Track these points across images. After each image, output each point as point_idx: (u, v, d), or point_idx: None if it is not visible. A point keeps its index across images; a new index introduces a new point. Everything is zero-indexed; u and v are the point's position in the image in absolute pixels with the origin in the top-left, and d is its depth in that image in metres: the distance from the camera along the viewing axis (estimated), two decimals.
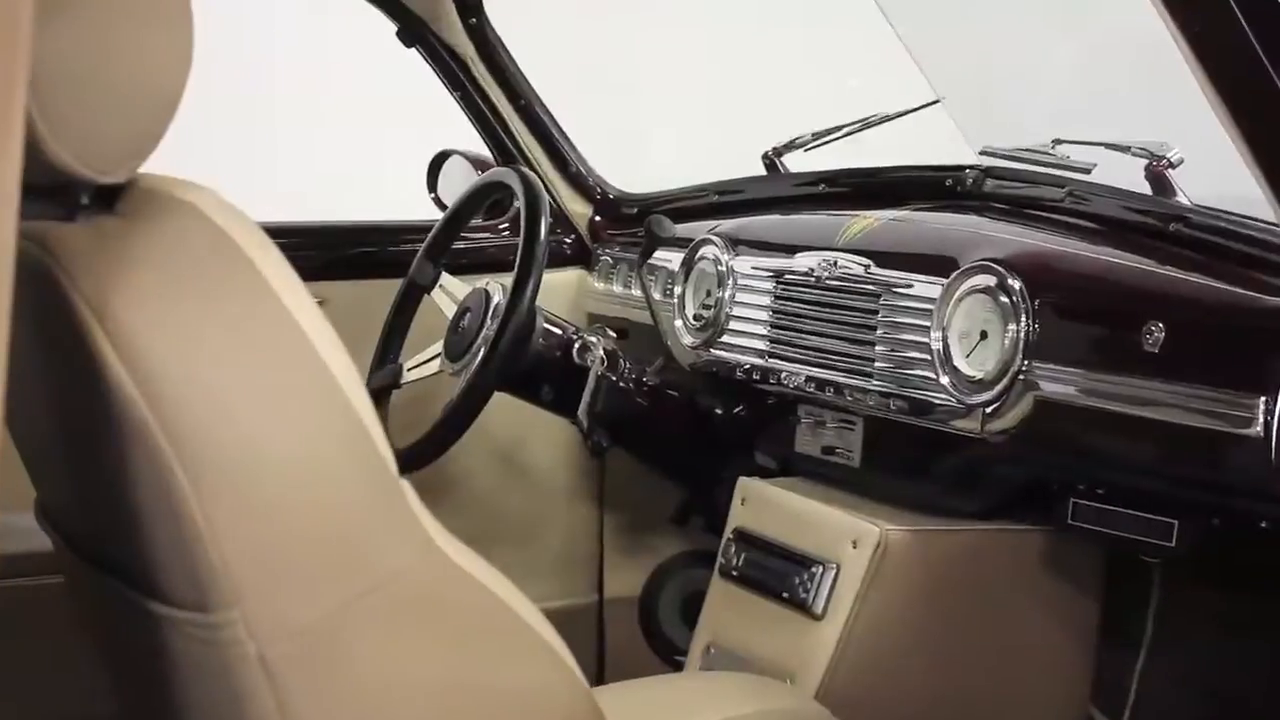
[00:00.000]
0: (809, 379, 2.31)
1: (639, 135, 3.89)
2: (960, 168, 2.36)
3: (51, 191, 1.33)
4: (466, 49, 2.84)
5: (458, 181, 2.89)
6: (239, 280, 1.27)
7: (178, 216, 1.28)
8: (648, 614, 2.91)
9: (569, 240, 2.99)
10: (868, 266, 2.22)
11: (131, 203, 1.30)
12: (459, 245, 2.68)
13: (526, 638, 1.42)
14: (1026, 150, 2.25)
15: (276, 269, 1.29)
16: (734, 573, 2.32)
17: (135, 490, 1.26)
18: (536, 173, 2.89)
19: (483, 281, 2.50)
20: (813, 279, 2.31)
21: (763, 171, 2.77)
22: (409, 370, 2.58)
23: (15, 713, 1.88)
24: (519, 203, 2.41)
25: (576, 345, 2.48)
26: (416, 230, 2.72)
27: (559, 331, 2.49)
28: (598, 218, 2.99)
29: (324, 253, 2.86)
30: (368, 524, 1.31)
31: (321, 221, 2.90)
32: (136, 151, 1.29)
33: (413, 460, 2.45)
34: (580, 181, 2.98)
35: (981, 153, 2.34)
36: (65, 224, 1.29)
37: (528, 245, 2.34)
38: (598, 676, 3.01)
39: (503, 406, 2.55)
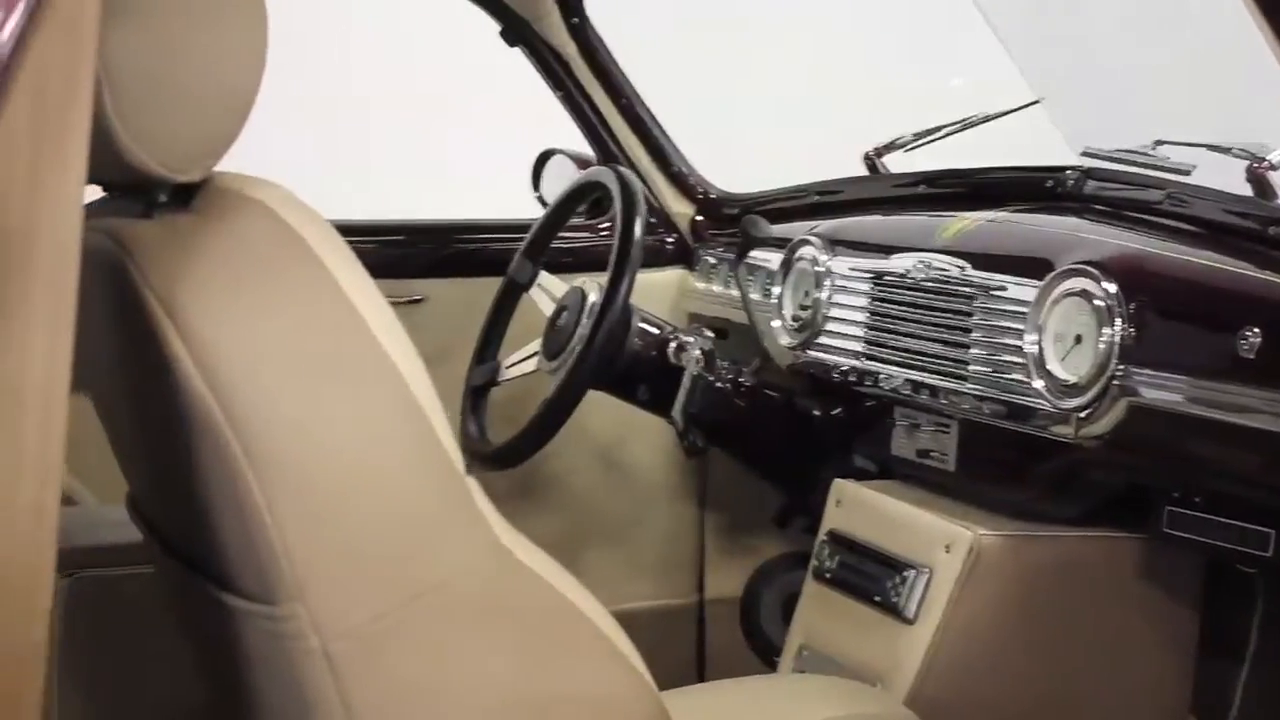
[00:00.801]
0: (906, 381, 2.29)
1: (740, 135, 3.88)
2: (1061, 169, 2.33)
3: (131, 189, 1.36)
4: (568, 48, 2.86)
5: (561, 180, 2.91)
6: (304, 276, 1.28)
7: (246, 213, 1.30)
8: (749, 615, 2.90)
9: (671, 240, 2.99)
10: (963, 268, 2.20)
11: (205, 200, 1.33)
12: (560, 244, 2.70)
13: (595, 642, 1.42)
14: (1127, 151, 2.22)
15: (343, 266, 1.30)
16: (827, 574, 2.31)
17: (207, 483, 1.29)
18: (637, 172, 2.89)
19: (580, 280, 2.51)
20: (909, 280, 2.29)
21: (864, 172, 2.75)
22: (507, 368, 2.59)
23: (109, 699, 1.91)
24: (614, 202, 2.41)
25: (672, 345, 2.48)
26: (517, 229, 2.74)
27: (655, 331, 2.49)
28: (699, 217, 2.99)
29: (426, 250, 2.89)
30: (430, 522, 1.32)
31: (423, 219, 2.93)
32: (211, 151, 1.31)
33: (508, 457, 2.47)
34: (682, 181, 2.98)
35: (1083, 154, 2.31)
36: (141, 221, 1.32)
37: (622, 244, 2.35)
38: (698, 676, 3.02)
39: (604, 405, 2.56)
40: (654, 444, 2.93)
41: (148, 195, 1.34)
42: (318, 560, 1.27)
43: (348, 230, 2.81)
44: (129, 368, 1.36)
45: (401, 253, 2.86)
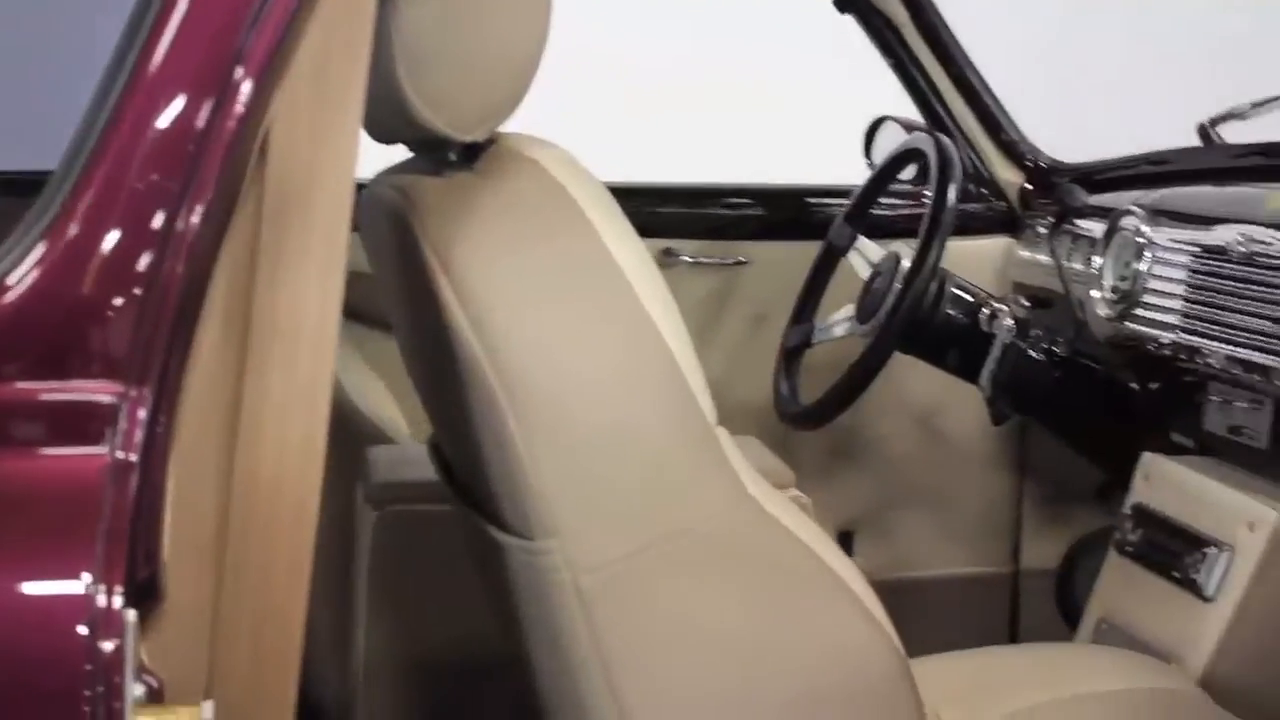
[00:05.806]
0: (1228, 357, 2.24)
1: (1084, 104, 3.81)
2: None
3: (425, 149, 1.47)
4: (899, 15, 2.86)
5: (891, 147, 2.91)
6: (569, 231, 1.36)
7: (520, 172, 1.39)
8: (1065, 588, 2.88)
9: (999, 207, 2.97)
10: None
11: (488, 160, 1.42)
12: (882, 210, 2.72)
13: (837, 594, 1.45)
14: None
15: (609, 222, 1.37)
16: (1129, 549, 2.29)
17: (477, 424, 1.38)
18: (966, 139, 2.89)
19: (896, 245, 2.53)
20: (1230, 253, 2.24)
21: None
22: (821, 330, 2.63)
23: (414, 624, 2.04)
24: (930, 168, 2.42)
25: (985, 312, 2.48)
26: (839, 194, 2.77)
27: (969, 298, 2.49)
28: (1029, 186, 2.96)
29: (751, 214, 2.95)
30: (677, 469, 1.38)
31: (748, 184, 2.99)
32: (494, 113, 1.40)
33: (815, 416, 2.51)
34: (1012, 149, 2.96)
35: None
36: (427, 177, 1.42)
37: (935, 210, 2.35)
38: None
39: (923, 372, 2.58)
40: (974, 412, 2.90)
41: (439, 154, 1.44)
42: (570, 497, 1.35)
43: (662, 194, 2.90)
44: (413, 312, 1.46)
45: (726, 216, 2.92)
